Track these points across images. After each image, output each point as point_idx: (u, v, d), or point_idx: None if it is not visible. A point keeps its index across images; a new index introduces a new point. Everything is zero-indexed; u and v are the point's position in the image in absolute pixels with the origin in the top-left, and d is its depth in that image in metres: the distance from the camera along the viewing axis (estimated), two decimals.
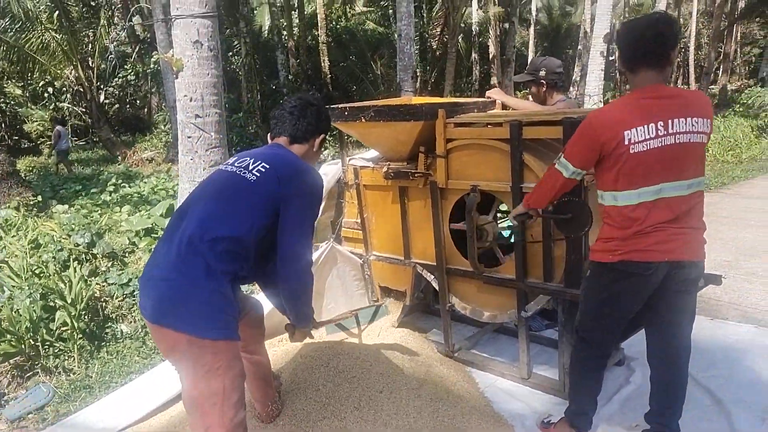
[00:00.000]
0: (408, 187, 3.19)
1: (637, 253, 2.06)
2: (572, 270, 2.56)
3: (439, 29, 19.52)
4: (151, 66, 15.34)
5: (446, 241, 3.07)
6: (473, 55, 22.66)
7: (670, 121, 1.98)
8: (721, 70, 25.13)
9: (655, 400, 2.33)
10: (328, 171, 3.58)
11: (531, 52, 27.01)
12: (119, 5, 19.15)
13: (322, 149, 2.29)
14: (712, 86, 24.80)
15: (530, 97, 3.54)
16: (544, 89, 3.34)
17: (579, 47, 20.21)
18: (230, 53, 16.78)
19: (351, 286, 3.53)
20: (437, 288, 3.17)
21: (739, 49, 32.53)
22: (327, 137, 2.36)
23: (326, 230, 3.67)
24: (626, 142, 1.98)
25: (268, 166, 2.00)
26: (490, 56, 22.40)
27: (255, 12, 22.30)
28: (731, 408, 2.65)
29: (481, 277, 2.93)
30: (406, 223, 3.25)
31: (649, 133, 1.97)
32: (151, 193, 8.01)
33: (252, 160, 2.04)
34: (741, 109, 14.19)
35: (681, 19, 34.86)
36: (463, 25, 22.07)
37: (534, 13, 26.37)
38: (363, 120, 3.10)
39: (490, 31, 24.35)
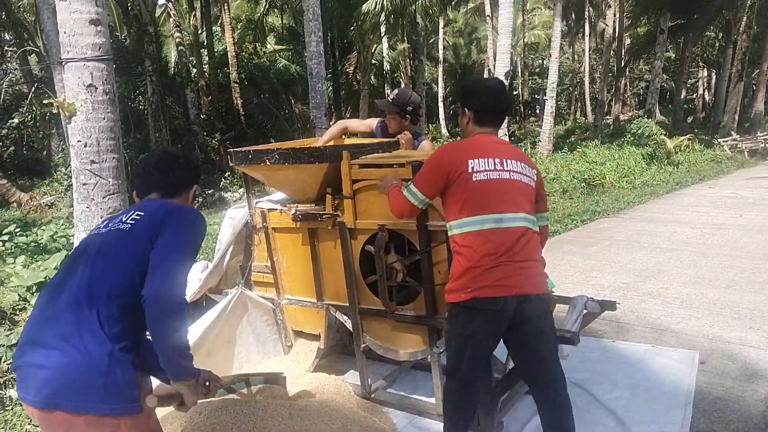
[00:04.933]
0: (317, 229, 3.16)
1: (486, 289, 2.12)
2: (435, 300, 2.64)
3: (352, 67, 19.90)
4: (47, 108, 14.52)
5: (358, 281, 3.05)
6: (386, 91, 23.25)
7: (505, 160, 2.21)
8: (613, 102, 27.20)
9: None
10: (235, 215, 3.49)
11: (440, 88, 28.12)
12: (11, 43, 18.08)
13: (196, 201, 2.20)
14: (607, 117, 26.76)
15: (373, 124, 3.64)
16: (407, 123, 3.45)
17: None
18: (137, 92, 16.21)
19: (263, 332, 3.42)
20: (351, 329, 3.13)
21: (629, 84, 35.53)
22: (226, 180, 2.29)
23: (235, 275, 3.55)
24: (470, 170, 2.17)
25: (142, 213, 1.88)
26: None
27: (163, 50, 21.81)
28: (633, 428, 2.77)
29: (394, 315, 2.93)
30: (317, 265, 3.21)
31: (488, 165, 2.18)
32: (50, 242, 7.44)
33: (124, 215, 1.92)
34: (632, 138, 15.37)
35: (575, 56, 37.76)
36: (375, 62, 22.66)
37: (441, 51, 27.46)
38: (267, 163, 3.05)
39: (401, 68, 25.18)
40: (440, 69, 28.20)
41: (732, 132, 18.87)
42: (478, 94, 2.36)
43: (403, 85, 23.85)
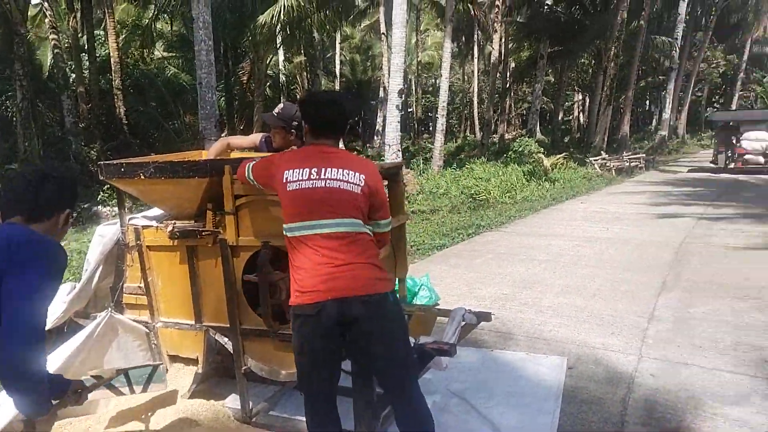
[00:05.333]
0: (197, 247, 3.03)
1: (305, 295, 2.19)
2: None
3: (245, 77, 19.48)
4: None
5: (239, 300, 2.96)
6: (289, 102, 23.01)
7: (324, 169, 2.28)
8: (499, 121, 28.87)
9: None
10: (105, 232, 3.26)
11: None
12: None
13: (68, 225, 2.05)
14: (494, 135, 28.30)
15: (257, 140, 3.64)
16: (292, 138, 3.45)
17: (380, 99, 21.73)
18: (3, 97, 14.77)
19: (135, 358, 3.21)
20: (232, 351, 3.02)
21: (513, 104, 37.88)
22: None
23: (105, 298, 3.31)
24: (284, 180, 2.28)
25: None
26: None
27: (37, 52, 20.10)
28: None
29: (277, 335, 2.87)
30: (196, 285, 3.07)
31: (302, 175, 2.27)
32: None
33: None
34: (514, 156, 16.36)
35: (465, 77, 39.70)
36: (271, 73, 22.37)
37: (338, 66, 27.70)
38: (142, 177, 2.90)
39: (298, 81, 25.05)
40: (337, 84, 28.43)
41: (602, 152, 20.67)
42: (311, 108, 2.43)
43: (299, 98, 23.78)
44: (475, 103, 32.77)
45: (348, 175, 2.31)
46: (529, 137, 19.55)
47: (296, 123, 3.42)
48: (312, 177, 2.27)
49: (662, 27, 27.54)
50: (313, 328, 2.21)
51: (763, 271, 6.07)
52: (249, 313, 2.96)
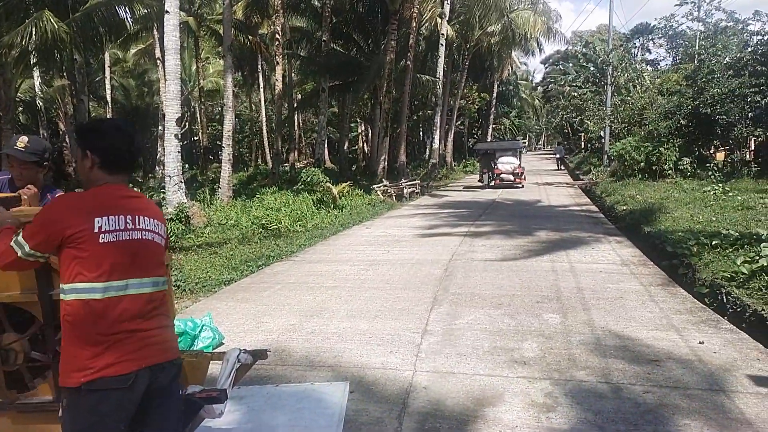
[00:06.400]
0: None
1: (116, 367, 1.91)
2: None
3: None
4: None
5: None
6: (41, 131, 20.29)
7: (137, 217, 2.06)
8: (290, 150, 29.18)
9: None
10: None
11: None
12: None
13: None
14: (285, 164, 28.50)
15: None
16: (45, 172, 3.14)
17: (160, 128, 20.42)
18: None
19: None
20: None
21: (303, 134, 38.76)
22: None
23: None
24: (96, 230, 1.95)
25: None
26: (60, 133, 20.45)
27: None
28: None
29: (15, 406, 2.45)
30: None
31: (119, 224, 2.00)
32: None
33: None
34: (303, 186, 16.68)
35: (253, 106, 39.53)
36: (24, 98, 19.58)
37: (109, 91, 25.44)
38: None
39: (61, 106, 22.34)
40: (109, 110, 26.01)
41: (383, 179, 22.22)
42: (107, 136, 2.10)
43: (61, 126, 21.15)
44: (264, 132, 32.78)
45: (157, 226, 2.13)
46: (316, 166, 20.12)
47: (47, 155, 3.09)
48: (128, 227, 2.01)
49: (427, 67, 30.82)
50: (119, 404, 1.93)
51: (512, 279, 7.05)
52: None
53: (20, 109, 18.44)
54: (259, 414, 3.55)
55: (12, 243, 2.00)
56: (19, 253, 1.99)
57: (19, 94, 17.16)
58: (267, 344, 4.80)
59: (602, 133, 28.03)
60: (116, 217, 2.00)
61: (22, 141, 3.05)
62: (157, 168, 21.70)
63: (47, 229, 1.96)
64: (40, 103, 20.71)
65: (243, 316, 5.88)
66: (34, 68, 18.79)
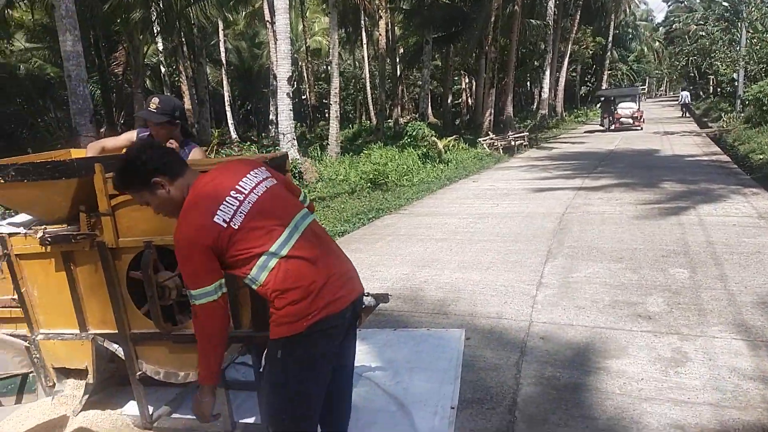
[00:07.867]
0: (73, 252, 2.81)
1: (326, 308, 1.92)
2: (258, 313, 2.59)
3: (120, 68, 18.21)
4: None
5: (126, 304, 2.80)
6: (166, 93, 21.84)
7: (239, 185, 1.98)
8: (393, 106, 29.27)
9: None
10: None
11: (226, 92, 27.31)
12: None
13: None
14: (389, 120, 28.68)
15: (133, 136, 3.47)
16: (176, 130, 3.33)
17: (271, 88, 21.20)
18: None
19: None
20: (124, 357, 2.86)
21: (406, 89, 38.57)
22: None
23: None
24: (225, 226, 1.88)
25: None
26: (182, 95, 21.87)
27: None
28: (412, 409, 3.01)
29: (170, 336, 2.75)
30: (77, 292, 2.86)
31: (233, 205, 1.92)
32: None
33: None
34: (409, 140, 16.70)
35: (356, 63, 39.78)
36: (149, 63, 21.11)
37: (223, 54, 26.68)
38: (2, 181, 2.63)
39: (182, 70, 23.83)
40: (223, 72, 27.39)
41: (489, 132, 21.66)
42: (147, 159, 1.99)
43: (184, 88, 22.62)
44: (368, 89, 32.98)
45: (256, 174, 2.05)
46: (421, 121, 20.00)
47: (178, 113, 3.31)
48: (240, 200, 1.92)
49: (535, 12, 29.13)
50: (328, 343, 1.97)
51: (634, 234, 6.68)
52: (138, 317, 2.80)
53: (148, 73, 19.90)
54: (379, 354, 3.71)
55: (195, 302, 1.90)
56: (212, 298, 1.90)
57: (144, 60, 18.48)
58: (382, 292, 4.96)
59: (735, 76, 25.21)
60: (225, 201, 1.90)
61: (154, 102, 3.28)
62: (269, 127, 22.69)
63: (194, 260, 1.88)
64: (163, 69, 22.27)
65: (358, 265, 5.99)
66: (157, 36, 20.09)
